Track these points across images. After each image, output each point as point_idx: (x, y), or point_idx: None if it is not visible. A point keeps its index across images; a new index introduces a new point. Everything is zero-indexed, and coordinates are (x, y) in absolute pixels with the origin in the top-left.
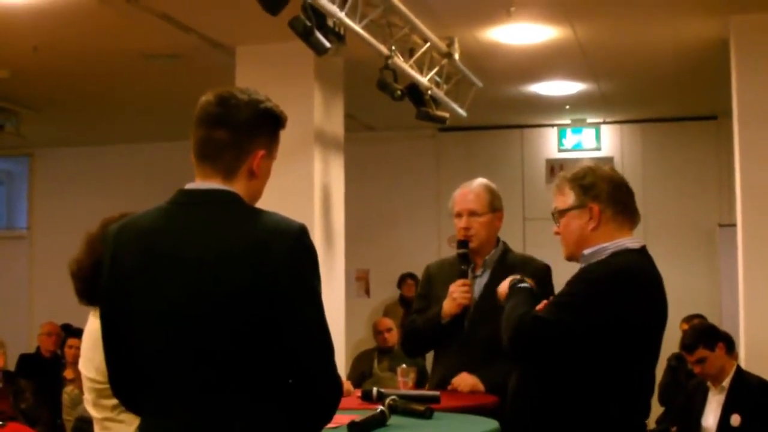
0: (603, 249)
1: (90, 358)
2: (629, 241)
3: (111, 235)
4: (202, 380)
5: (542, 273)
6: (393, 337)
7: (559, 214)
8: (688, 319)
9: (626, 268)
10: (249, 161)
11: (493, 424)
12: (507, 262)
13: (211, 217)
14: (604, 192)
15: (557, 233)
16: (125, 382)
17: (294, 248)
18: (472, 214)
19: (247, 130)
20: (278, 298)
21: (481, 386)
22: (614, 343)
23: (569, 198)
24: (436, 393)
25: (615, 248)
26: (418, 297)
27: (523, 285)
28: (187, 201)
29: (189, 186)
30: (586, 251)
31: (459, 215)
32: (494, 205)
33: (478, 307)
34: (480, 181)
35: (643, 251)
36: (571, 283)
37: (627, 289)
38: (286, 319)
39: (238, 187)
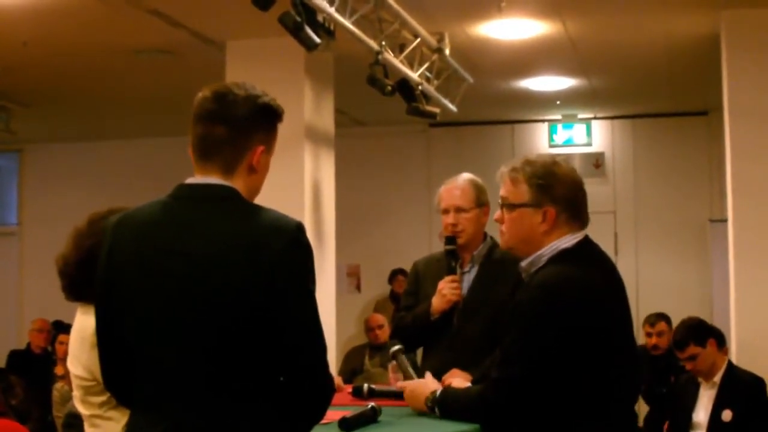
0: (539, 257)
1: (77, 355)
2: (564, 240)
3: (109, 228)
4: (195, 376)
5: None
6: (384, 334)
7: (509, 206)
8: (650, 319)
9: (546, 287)
10: (248, 157)
11: None
12: (494, 257)
13: (209, 212)
14: (562, 196)
15: (498, 221)
16: (118, 376)
17: (290, 246)
18: (458, 210)
19: (246, 126)
20: (273, 294)
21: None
22: (575, 359)
23: (524, 193)
24: None
25: (550, 253)
26: (406, 294)
27: (438, 393)
28: (186, 196)
29: (188, 181)
30: (524, 263)
31: (446, 211)
32: (481, 200)
33: (467, 303)
34: (466, 176)
35: (578, 248)
36: (510, 325)
37: (555, 310)
38: (280, 316)
39: (237, 182)
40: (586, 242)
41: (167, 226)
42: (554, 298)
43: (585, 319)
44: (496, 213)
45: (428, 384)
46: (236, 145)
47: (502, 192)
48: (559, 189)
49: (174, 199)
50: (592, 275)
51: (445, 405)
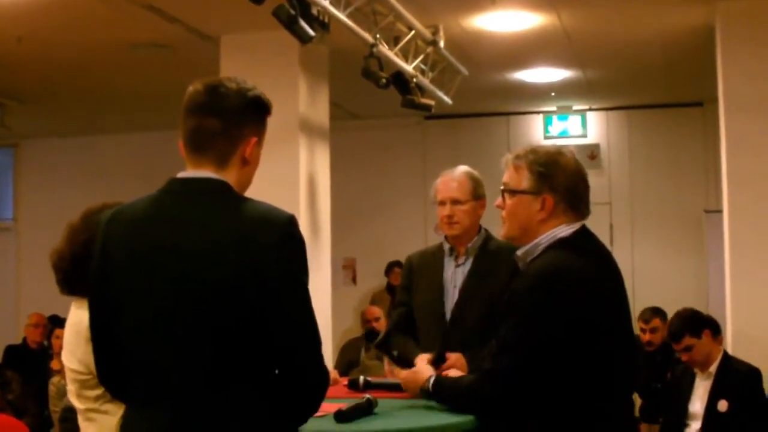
0: (536, 246)
1: (72, 350)
2: (561, 229)
3: (102, 223)
4: (189, 372)
5: None
6: (381, 326)
7: (510, 192)
8: (645, 315)
9: (542, 275)
10: (241, 149)
11: None
12: (489, 249)
13: (201, 207)
14: (562, 185)
15: (499, 207)
16: (112, 371)
17: (282, 239)
18: (455, 202)
19: (238, 118)
20: (266, 289)
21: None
22: (573, 349)
23: (524, 180)
24: None
25: (547, 242)
26: (400, 288)
27: (433, 380)
28: (178, 190)
29: (181, 175)
30: (520, 251)
31: (442, 203)
32: (477, 192)
33: (463, 294)
34: (462, 168)
35: (575, 238)
36: (507, 314)
37: (551, 298)
38: (273, 310)
39: (229, 175)
40: (584, 232)
41: (159, 221)
42: (551, 287)
43: (582, 308)
44: (498, 199)
45: (422, 372)
46: (229, 136)
47: (504, 178)
48: (559, 178)
49: (165, 193)
50: (589, 265)
51: (440, 394)
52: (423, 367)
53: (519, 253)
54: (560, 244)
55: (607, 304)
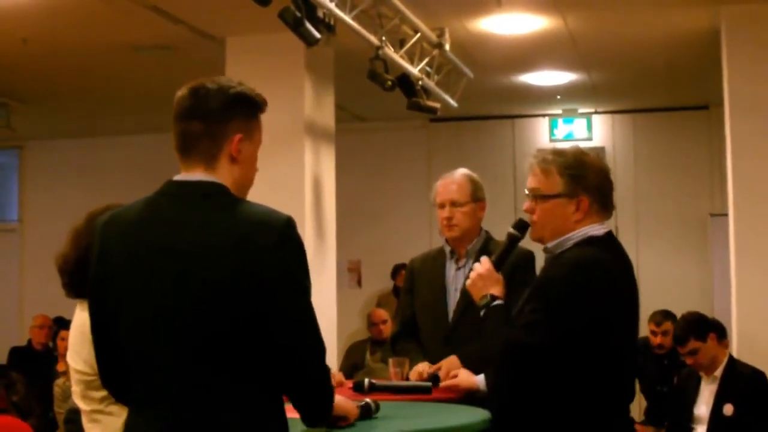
0: (567, 239)
1: (78, 350)
2: (594, 228)
3: (98, 228)
4: (189, 375)
5: (525, 260)
6: (387, 329)
7: (542, 197)
8: (656, 317)
9: (580, 265)
10: (227, 147)
11: (484, 413)
12: (489, 251)
13: (196, 209)
14: (593, 184)
15: (529, 211)
16: (115, 374)
17: (280, 241)
18: (454, 204)
19: (219, 117)
20: (264, 292)
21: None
22: (589, 340)
23: (557, 184)
24: (428, 384)
25: (578, 238)
26: (403, 292)
27: (497, 303)
28: (173, 192)
29: (176, 177)
30: (550, 244)
31: (441, 205)
32: (477, 195)
33: (464, 296)
34: (462, 171)
35: (607, 238)
36: (535, 295)
37: (585, 288)
38: (273, 312)
39: (221, 175)
40: (612, 234)
41: (155, 224)
42: (585, 278)
43: (607, 305)
44: (525, 203)
45: (493, 286)
46: (213, 136)
47: (532, 183)
48: (590, 178)
49: (161, 196)
50: (617, 264)
51: (488, 320)
52: (500, 280)
53: (549, 245)
54: (590, 241)
55: (629, 303)
